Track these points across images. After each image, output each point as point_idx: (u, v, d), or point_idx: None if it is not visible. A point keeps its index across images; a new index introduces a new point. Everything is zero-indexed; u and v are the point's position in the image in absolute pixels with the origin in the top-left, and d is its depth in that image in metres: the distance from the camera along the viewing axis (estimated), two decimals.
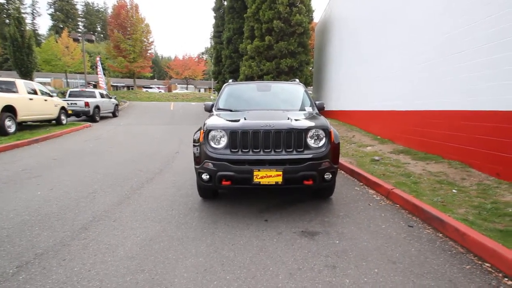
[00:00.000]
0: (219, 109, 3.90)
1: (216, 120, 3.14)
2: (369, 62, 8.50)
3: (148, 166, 5.24)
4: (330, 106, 12.94)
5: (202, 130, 2.98)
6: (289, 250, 2.31)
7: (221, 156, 2.79)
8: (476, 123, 4.18)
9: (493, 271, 1.95)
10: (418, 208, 2.94)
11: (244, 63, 15.12)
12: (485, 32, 4.09)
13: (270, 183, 2.71)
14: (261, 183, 2.70)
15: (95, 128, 10.97)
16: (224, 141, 2.85)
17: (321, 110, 3.98)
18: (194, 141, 3.14)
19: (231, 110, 3.78)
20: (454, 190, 3.54)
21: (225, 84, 4.36)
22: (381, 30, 7.73)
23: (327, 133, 2.87)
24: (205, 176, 2.90)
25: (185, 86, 48.89)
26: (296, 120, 2.97)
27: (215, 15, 21.55)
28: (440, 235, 2.52)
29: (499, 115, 3.80)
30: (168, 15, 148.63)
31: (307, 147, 2.81)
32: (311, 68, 16.18)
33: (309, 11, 14.09)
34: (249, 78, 14.95)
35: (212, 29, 22.25)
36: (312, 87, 16.71)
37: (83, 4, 68.00)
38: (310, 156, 2.76)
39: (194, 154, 3.07)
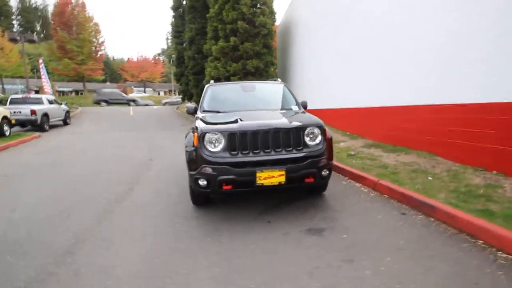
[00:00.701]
0: (205, 111, 3.75)
1: (209, 123, 3.01)
2: (333, 64, 8.96)
3: (122, 176, 4.83)
4: None
5: (196, 134, 2.82)
6: (301, 249, 2.30)
7: (221, 159, 2.68)
8: (440, 116, 4.65)
9: (486, 246, 2.17)
10: (406, 196, 3.15)
11: (210, 64, 14.85)
12: (430, 37, 4.57)
13: (273, 184, 2.67)
14: (264, 184, 2.65)
15: (47, 138, 9.80)
16: (221, 144, 2.74)
17: (305, 108, 4.06)
18: (186, 145, 2.97)
19: (218, 112, 3.66)
20: (429, 177, 3.87)
21: (207, 86, 4.21)
22: (337, 34, 8.21)
23: (322, 130, 2.93)
24: (202, 182, 2.76)
25: (143, 89, 46.35)
26: (290, 118, 2.98)
27: (174, 14, 20.79)
28: (432, 219, 2.73)
29: (458, 107, 4.26)
30: (118, 15, 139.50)
31: (305, 145, 2.83)
32: (274, 69, 16.47)
33: (272, 13, 14.35)
34: (216, 79, 14.68)
35: (171, 29, 21.44)
36: None
37: (18, 0, 60.51)
38: (310, 154, 2.79)
39: (188, 159, 2.90)
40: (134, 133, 11.19)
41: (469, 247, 2.19)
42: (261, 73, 14.64)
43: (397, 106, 5.70)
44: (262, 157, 2.69)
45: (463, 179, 3.65)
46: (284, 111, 3.67)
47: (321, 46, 10.34)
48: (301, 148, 2.80)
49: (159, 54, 59.94)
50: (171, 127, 13.92)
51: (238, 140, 2.71)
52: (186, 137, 3.15)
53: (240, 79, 13.94)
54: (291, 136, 2.78)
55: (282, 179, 2.67)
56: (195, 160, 2.81)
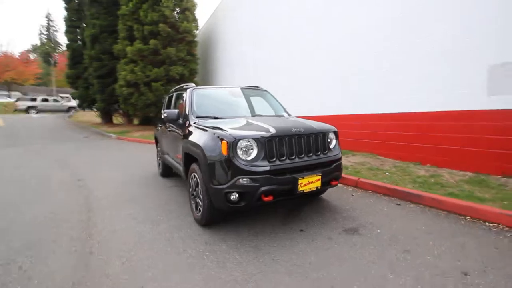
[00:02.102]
0: (198, 116, 3.29)
1: (235, 128, 2.66)
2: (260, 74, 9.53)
3: (57, 207, 3.62)
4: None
5: (224, 141, 2.45)
6: (357, 249, 2.34)
7: (260, 168, 2.42)
8: (380, 122, 5.67)
9: (475, 220, 2.80)
10: (391, 190, 3.69)
11: (124, 66, 13.03)
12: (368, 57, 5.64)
13: (311, 190, 2.61)
14: (304, 191, 2.56)
15: None
16: (254, 152, 2.48)
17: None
18: (208, 156, 2.53)
19: (216, 118, 3.29)
20: (387, 173, 4.65)
21: (190, 89, 3.70)
22: (266, 45, 8.89)
23: (337, 134, 3.09)
24: (234, 196, 2.41)
25: (7, 93, 35.72)
26: (307, 123, 3.00)
27: (67, 6, 17.19)
28: (421, 206, 3.30)
29: (395, 115, 5.34)
30: None
31: (329, 149, 2.92)
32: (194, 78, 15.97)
33: (195, 20, 13.99)
34: (132, 84, 13.01)
35: (65, 24, 17.63)
36: None
37: None
38: (334, 157, 2.89)
39: (212, 172, 2.48)
40: (25, 149, 8.53)
41: (465, 223, 2.78)
42: (186, 81, 13.93)
43: (342, 115, 6.59)
44: (300, 162, 2.61)
45: (412, 172, 4.55)
46: (284, 117, 3.66)
47: (242, 57, 10.78)
48: (326, 152, 2.87)
49: (28, 51, 47.80)
50: (72, 140, 11.42)
51: (275, 146, 2.53)
52: (196, 148, 2.70)
53: (162, 85, 12.85)
54: (319, 140, 2.81)
55: (319, 183, 2.66)
56: (225, 171, 2.43)
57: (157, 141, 5.42)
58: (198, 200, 2.89)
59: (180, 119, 3.51)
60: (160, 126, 4.88)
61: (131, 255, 2.35)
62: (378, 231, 2.68)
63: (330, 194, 3.85)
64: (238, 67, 11.83)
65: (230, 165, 2.42)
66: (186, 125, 3.28)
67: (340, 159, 2.95)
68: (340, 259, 2.21)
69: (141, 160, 7.20)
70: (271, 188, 2.43)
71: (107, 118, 18.17)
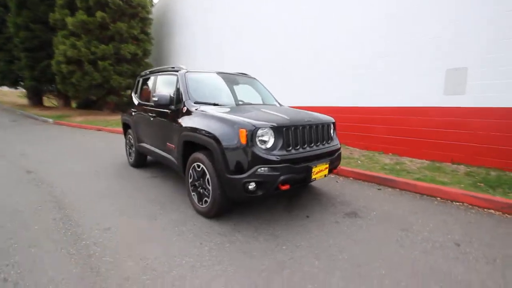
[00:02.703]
0: (197, 102, 3.08)
1: (249, 117, 2.57)
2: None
3: (19, 204, 3.07)
4: None
5: (243, 129, 2.36)
6: (365, 230, 2.56)
7: (279, 157, 2.41)
8: (345, 115, 6.13)
9: (444, 200, 3.32)
10: (369, 176, 4.08)
11: (63, 40, 11.23)
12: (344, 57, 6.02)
13: (321, 177, 2.73)
14: (316, 178, 2.66)
15: None
16: (271, 140, 2.46)
17: None
18: (224, 146, 2.40)
19: (216, 104, 3.13)
20: (359, 161, 5.11)
21: (182, 72, 3.40)
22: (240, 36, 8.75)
23: (335, 125, 3.26)
24: (252, 186, 2.38)
25: None
26: (310, 114, 3.09)
27: None
28: (397, 189, 3.74)
29: (361, 109, 5.83)
30: None
31: (332, 138, 3.06)
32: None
33: None
34: (74, 61, 11.28)
35: None
36: None
37: None
38: (336, 146, 3.05)
39: (231, 161, 2.38)
40: None
41: (439, 203, 3.27)
42: (139, 62, 12.74)
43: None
44: (313, 151, 2.68)
45: (379, 160, 5.08)
46: (277, 106, 3.67)
47: (208, 41, 10.36)
48: (329, 141, 3.01)
49: None
50: None
51: (292, 135, 2.55)
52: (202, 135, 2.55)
53: (111, 65, 11.51)
54: (324, 130, 2.92)
55: (327, 171, 2.79)
56: (244, 161, 2.36)
57: (127, 128, 4.89)
58: (202, 191, 2.75)
59: (172, 105, 3.23)
60: (135, 112, 4.41)
61: (143, 254, 2.14)
62: (374, 213, 2.96)
63: (317, 181, 4.07)
64: (200, 51, 11.24)
65: (249, 154, 2.36)
66: (184, 112, 3.04)
67: (340, 148, 3.14)
68: (355, 240, 2.39)
69: (97, 149, 6.45)
70: (290, 177, 2.46)
71: (36, 99, 15.54)
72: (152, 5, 12.69)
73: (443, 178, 3.94)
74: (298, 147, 2.61)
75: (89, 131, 9.52)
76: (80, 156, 5.63)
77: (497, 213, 2.97)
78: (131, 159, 4.79)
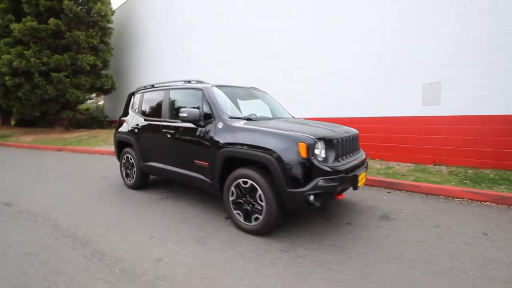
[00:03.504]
0: (232, 117, 3.02)
1: (301, 130, 2.62)
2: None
3: (25, 246, 2.58)
4: None
5: (302, 143, 2.40)
6: (404, 231, 2.78)
7: (336, 168, 2.51)
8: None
9: (447, 198, 3.78)
10: (376, 181, 4.42)
11: (6, 49, 9.71)
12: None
13: (362, 185, 2.89)
14: (359, 186, 2.81)
15: None
16: (323, 152, 2.55)
17: None
18: (284, 161, 2.40)
19: (249, 119, 3.11)
20: None
21: (208, 86, 3.28)
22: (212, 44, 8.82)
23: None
24: (312, 197, 2.42)
25: None
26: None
27: None
28: (404, 191, 4.13)
29: (349, 120, 6.32)
30: None
31: (359, 148, 3.28)
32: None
33: (109, 3, 11.92)
34: (22, 73, 9.85)
35: None
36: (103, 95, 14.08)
37: None
38: (364, 155, 3.27)
39: (292, 175, 2.39)
40: None
41: (444, 200, 3.72)
42: (98, 74, 11.71)
43: None
44: (355, 161, 2.84)
45: (371, 166, 5.53)
46: (298, 119, 3.79)
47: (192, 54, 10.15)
48: (359, 151, 3.22)
49: None
50: None
51: (340, 146, 2.68)
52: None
53: (67, 77, 10.38)
54: (356, 141, 3.13)
55: (365, 179, 2.98)
56: (306, 174, 2.39)
57: (123, 147, 4.47)
58: (250, 208, 2.68)
59: (201, 120, 3.11)
60: (137, 129, 4.07)
61: (221, 282, 1.99)
62: (402, 214, 3.24)
63: None
64: (169, 60, 10.84)
65: (310, 167, 2.41)
66: (220, 127, 2.94)
67: (366, 157, 3.38)
68: (405, 241, 2.58)
69: (74, 171, 5.75)
70: (344, 186, 2.58)
71: None
72: (112, 14, 11.91)
73: (434, 178, 4.49)
74: (344, 157, 2.76)
75: (47, 152, 8.35)
76: (59, 181, 4.92)
77: (493, 204, 3.51)
78: (129, 180, 4.36)
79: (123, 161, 4.46)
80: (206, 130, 3.07)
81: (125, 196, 4.03)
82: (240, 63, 8.36)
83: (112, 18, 11.93)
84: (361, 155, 3.15)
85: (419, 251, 2.40)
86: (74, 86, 10.64)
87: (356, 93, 6.16)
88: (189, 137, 3.26)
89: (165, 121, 3.65)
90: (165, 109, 3.72)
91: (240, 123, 2.91)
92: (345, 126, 3.27)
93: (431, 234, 2.73)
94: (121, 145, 4.56)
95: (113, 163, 6.66)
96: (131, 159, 4.28)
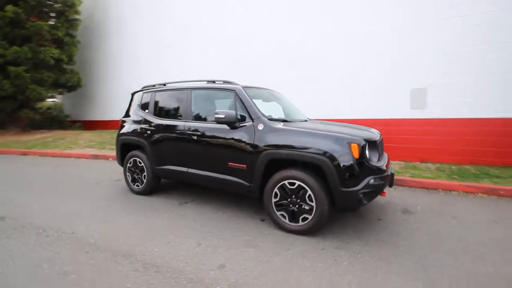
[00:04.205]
0: (271, 119, 3.02)
1: (347, 132, 2.73)
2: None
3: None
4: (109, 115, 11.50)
5: (355, 144, 2.51)
6: (429, 223, 3.05)
7: (381, 167, 2.67)
8: None
9: (445, 191, 4.22)
10: None
11: None
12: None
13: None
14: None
15: None
16: (368, 153, 2.69)
17: None
18: (339, 161, 2.48)
19: (285, 121, 3.14)
20: None
21: (239, 87, 3.21)
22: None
23: None
24: (362, 196, 2.55)
25: None
26: None
27: None
28: (407, 187, 4.50)
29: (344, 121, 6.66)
30: None
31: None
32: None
33: None
34: None
35: None
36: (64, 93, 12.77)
37: None
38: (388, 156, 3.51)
39: (348, 175, 2.48)
40: None
41: (444, 194, 4.14)
42: (62, 69, 10.57)
43: None
44: (387, 160, 3.03)
45: None
46: (319, 121, 3.91)
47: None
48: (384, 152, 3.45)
49: None
50: None
51: (378, 147, 2.84)
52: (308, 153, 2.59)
53: (27, 71, 9.22)
54: (382, 142, 3.35)
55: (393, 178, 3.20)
56: (359, 174, 2.50)
57: (129, 150, 4.14)
58: (296, 209, 2.71)
59: (237, 122, 3.04)
60: (151, 130, 3.81)
61: (298, 285, 2.00)
62: (419, 207, 3.54)
63: None
64: (145, 54, 10.26)
65: (362, 167, 2.52)
66: (260, 129, 2.91)
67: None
68: (436, 232, 2.83)
69: (58, 178, 5.20)
70: (386, 184, 2.75)
71: None
72: (79, 4, 10.87)
73: (426, 174, 4.97)
74: (381, 157, 2.94)
75: (10, 157, 7.31)
76: (49, 189, 4.37)
77: (485, 195, 4.02)
78: (137, 186, 4.06)
79: (128, 165, 4.13)
80: (243, 132, 3.02)
81: (138, 202, 3.74)
82: (239, 63, 8.28)
83: (80, 8, 10.88)
84: (387, 155, 3.38)
85: (454, 241, 2.66)
86: (35, 82, 9.47)
87: (352, 99, 6.53)
88: (221, 139, 3.16)
89: (188, 122, 3.48)
90: (187, 109, 3.55)
91: (281, 125, 2.92)
92: (372, 128, 3.47)
93: (453, 224, 3.05)
94: (125, 148, 4.22)
95: (98, 167, 6.12)
96: (140, 163, 3.98)
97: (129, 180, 4.17)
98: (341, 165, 2.51)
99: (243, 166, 3.01)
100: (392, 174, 2.94)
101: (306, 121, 3.70)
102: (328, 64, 6.78)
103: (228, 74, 8.24)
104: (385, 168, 2.76)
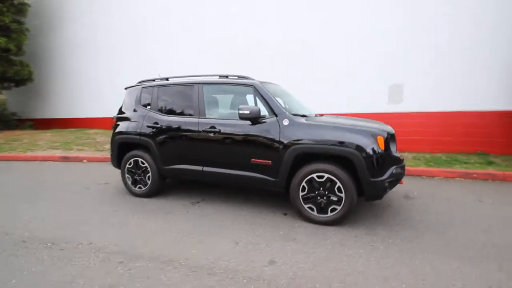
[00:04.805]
0: (295, 114, 3.07)
1: (369, 125, 2.92)
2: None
3: None
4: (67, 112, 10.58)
5: (380, 136, 2.70)
6: (432, 205, 3.42)
7: (400, 157, 2.90)
8: None
9: (430, 177, 4.73)
10: None
11: None
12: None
13: None
14: None
15: None
16: (390, 145, 2.91)
17: None
18: (368, 153, 2.64)
19: (304, 115, 3.20)
20: None
21: (257, 82, 3.17)
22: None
23: None
24: (386, 185, 2.76)
25: None
26: None
27: None
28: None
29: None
30: None
31: None
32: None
33: None
34: None
35: None
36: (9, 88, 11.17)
37: None
38: None
39: (375, 165, 2.66)
40: None
41: (431, 180, 4.64)
42: (10, 61, 9.20)
43: None
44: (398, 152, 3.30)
45: None
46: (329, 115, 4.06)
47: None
48: None
49: None
50: None
51: (394, 140, 3.08)
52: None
53: None
54: None
55: None
56: (385, 164, 2.71)
57: (128, 150, 3.83)
58: (324, 200, 2.82)
59: (260, 118, 3.03)
60: (158, 128, 3.56)
61: (356, 272, 2.11)
62: (416, 193, 3.93)
63: None
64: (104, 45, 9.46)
65: (388, 157, 2.73)
66: (285, 124, 2.94)
67: None
68: (440, 213, 3.18)
69: (38, 185, 4.63)
70: (404, 173, 3.01)
71: None
72: None
73: (407, 162, 5.51)
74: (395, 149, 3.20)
75: None
76: (33, 197, 3.84)
77: (462, 179, 4.62)
78: (139, 187, 3.78)
79: (128, 166, 3.82)
80: (267, 128, 3.01)
81: (145, 205, 3.49)
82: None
83: None
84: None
85: (458, 218, 3.04)
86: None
87: (337, 94, 6.87)
88: (243, 136, 3.12)
89: (202, 119, 3.35)
90: (199, 105, 3.41)
91: (304, 120, 2.99)
92: (379, 121, 3.73)
93: (449, 205, 3.45)
94: (123, 148, 3.89)
95: (75, 171, 5.59)
96: (143, 163, 3.71)
97: (129, 183, 3.86)
98: (370, 157, 2.67)
99: (268, 162, 3.02)
100: (405, 165, 3.23)
101: (316, 116, 3.83)
102: (313, 63, 7.02)
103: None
104: (402, 158, 3.01)
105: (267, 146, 3.00)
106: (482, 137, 5.68)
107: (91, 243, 2.54)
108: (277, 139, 2.95)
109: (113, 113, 4.31)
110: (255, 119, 3.02)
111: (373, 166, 2.68)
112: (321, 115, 4.32)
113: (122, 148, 3.90)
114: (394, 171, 2.79)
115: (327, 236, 2.66)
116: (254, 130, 3.07)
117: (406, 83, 6.27)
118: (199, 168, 3.40)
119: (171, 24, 8.55)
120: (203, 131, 3.30)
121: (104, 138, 8.54)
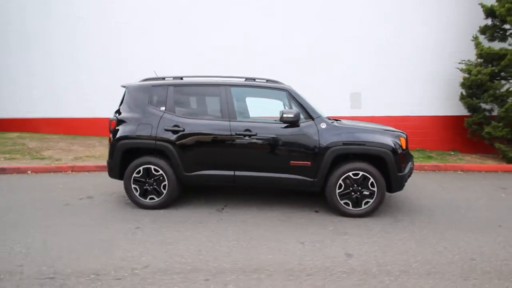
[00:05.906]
0: (329, 118, 3.34)
1: (386, 128, 3.35)
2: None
3: None
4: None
5: (402, 137, 3.19)
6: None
7: (412, 155, 3.48)
8: None
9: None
10: None
11: None
12: None
13: None
14: None
15: None
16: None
17: None
18: (397, 152, 3.08)
19: (336, 119, 3.49)
20: None
21: (289, 87, 3.24)
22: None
23: None
24: (407, 178, 3.29)
25: None
26: None
27: None
28: None
29: None
30: None
31: None
32: None
33: None
34: None
35: None
36: None
37: None
38: None
39: (401, 161, 3.12)
40: None
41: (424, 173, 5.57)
42: None
43: None
44: None
45: None
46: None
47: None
48: None
49: None
50: None
51: None
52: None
53: None
54: None
55: None
56: (407, 161, 3.21)
57: (133, 156, 3.35)
58: (359, 196, 3.15)
59: (299, 121, 3.15)
60: (180, 132, 3.23)
61: (419, 254, 2.47)
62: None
63: None
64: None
65: (408, 155, 3.24)
66: (323, 127, 3.14)
67: None
68: (441, 199, 3.86)
69: (24, 204, 3.62)
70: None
71: None
72: None
73: None
74: None
75: None
76: (15, 220, 2.92)
77: (417, 171, 5.70)
78: (152, 198, 3.35)
79: (135, 175, 3.34)
80: (306, 131, 3.16)
81: (168, 218, 3.13)
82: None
83: None
84: None
85: (460, 202, 3.77)
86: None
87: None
88: (282, 139, 3.17)
89: (234, 122, 3.23)
90: (228, 108, 3.26)
91: (337, 123, 3.27)
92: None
93: (446, 192, 4.21)
94: (127, 154, 3.37)
95: (27, 184, 4.55)
96: (157, 171, 3.31)
97: (137, 194, 3.37)
98: (397, 155, 3.14)
99: (308, 163, 3.16)
100: None
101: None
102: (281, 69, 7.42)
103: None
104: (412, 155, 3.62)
105: (307, 148, 3.15)
106: (421, 137, 7.12)
107: (146, 267, 2.19)
108: (317, 141, 3.13)
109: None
110: (294, 122, 3.13)
111: (399, 162, 3.15)
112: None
113: (126, 155, 3.39)
114: (410, 166, 3.35)
115: (368, 227, 2.97)
116: (293, 132, 3.17)
117: (363, 92, 7.33)
118: (230, 173, 3.27)
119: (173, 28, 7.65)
120: (236, 134, 3.20)
121: (35, 143, 7.01)
